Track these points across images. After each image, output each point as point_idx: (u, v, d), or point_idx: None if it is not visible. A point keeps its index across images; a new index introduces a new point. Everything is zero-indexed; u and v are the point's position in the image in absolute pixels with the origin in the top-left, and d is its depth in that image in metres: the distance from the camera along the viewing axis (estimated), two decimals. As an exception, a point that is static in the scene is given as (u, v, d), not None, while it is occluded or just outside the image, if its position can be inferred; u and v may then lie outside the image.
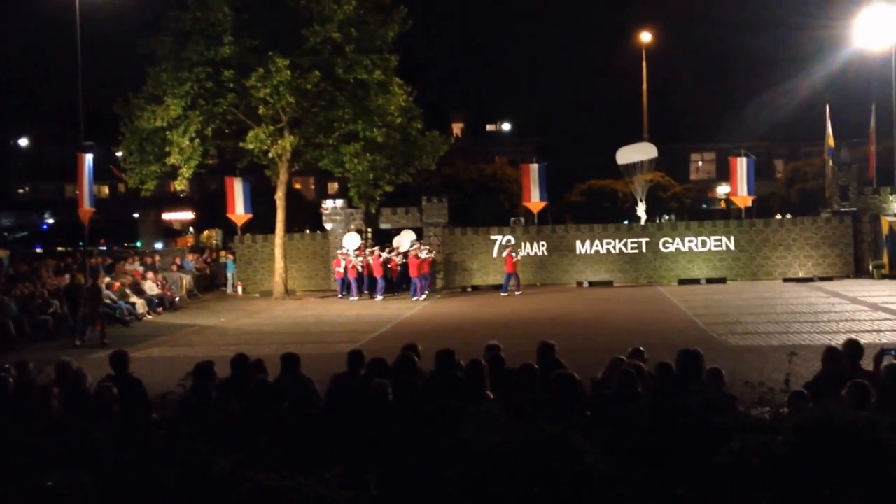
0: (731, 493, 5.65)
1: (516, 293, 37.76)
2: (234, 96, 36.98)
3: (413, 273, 37.72)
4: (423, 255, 38.53)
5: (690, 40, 79.71)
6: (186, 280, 40.01)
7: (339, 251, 39.63)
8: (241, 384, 10.86)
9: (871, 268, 39.55)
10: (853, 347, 11.18)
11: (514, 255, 38.59)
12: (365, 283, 38.53)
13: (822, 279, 39.33)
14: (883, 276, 38.65)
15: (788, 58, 71.58)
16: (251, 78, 35.49)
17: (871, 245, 40.61)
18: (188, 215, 67.81)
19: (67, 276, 32.76)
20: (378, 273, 38.05)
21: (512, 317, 30.44)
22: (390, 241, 41.40)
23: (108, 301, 31.27)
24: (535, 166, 43.23)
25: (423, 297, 37.18)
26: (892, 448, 5.66)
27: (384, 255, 39.12)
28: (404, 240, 40.23)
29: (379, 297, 37.43)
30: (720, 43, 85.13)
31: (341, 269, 38.63)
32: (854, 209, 41.09)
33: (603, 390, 10.32)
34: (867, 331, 22.83)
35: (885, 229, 39.34)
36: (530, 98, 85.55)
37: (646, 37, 58.31)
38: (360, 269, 38.20)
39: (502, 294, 37.92)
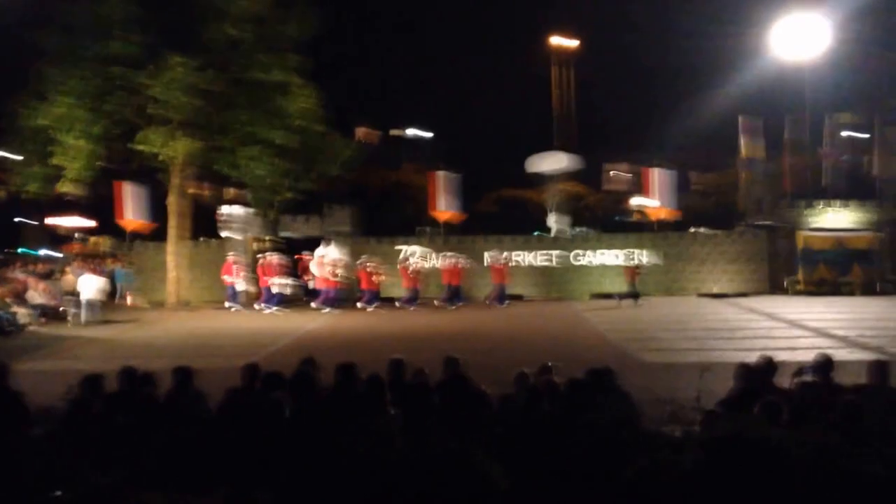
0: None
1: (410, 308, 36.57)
2: (124, 95, 35.11)
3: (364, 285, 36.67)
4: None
5: (608, 48, 79.08)
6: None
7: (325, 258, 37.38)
8: (128, 398, 10.30)
9: (786, 283, 39.07)
10: (766, 364, 11.49)
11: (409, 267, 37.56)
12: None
13: (737, 295, 38.86)
14: (798, 292, 38.49)
15: (706, 67, 71.56)
16: (141, 76, 33.87)
17: (787, 260, 39.99)
18: (76, 221, 65.45)
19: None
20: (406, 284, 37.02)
21: (417, 331, 29.24)
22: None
23: (-12, 310, 29.62)
24: (442, 174, 42.14)
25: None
26: (804, 465, 5.72)
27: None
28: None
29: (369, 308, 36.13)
30: (638, 52, 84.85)
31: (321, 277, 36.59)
32: (769, 223, 40.57)
33: (510, 407, 9.82)
34: (783, 348, 22.17)
35: (800, 244, 39.09)
36: (440, 103, 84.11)
37: (560, 42, 57.60)
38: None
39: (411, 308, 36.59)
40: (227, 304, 36.79)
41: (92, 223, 59.40)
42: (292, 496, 5.93)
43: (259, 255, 37.77)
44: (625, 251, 40.17)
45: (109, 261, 44.48)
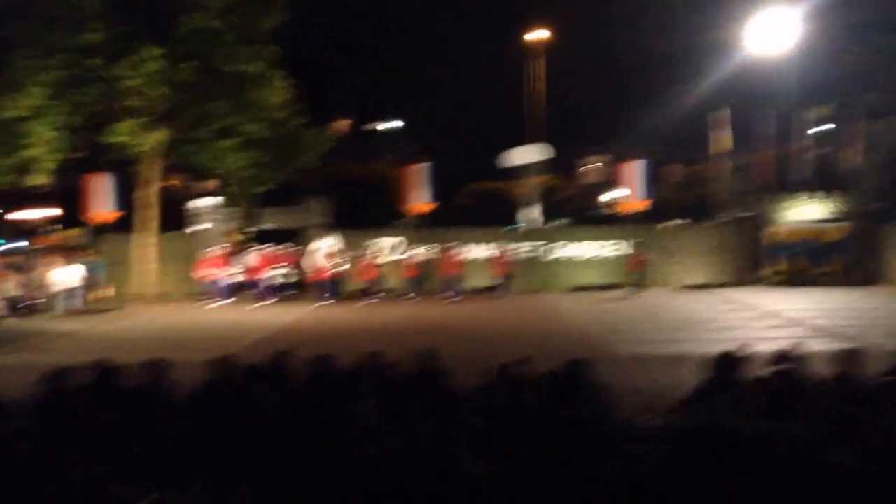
0: (617, 501, 5.71)
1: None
2: (102, 86, 34.85)
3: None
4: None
5: (584, 41, 78.86)
6: (49, 281, 37.66)
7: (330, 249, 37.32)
8: (102, 392, 10.39)
9: (769, 274, 39.25)
10: (742, 354, 11.28)
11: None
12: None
13: (718, 286, 38.92)
14: (776, 283, 38.65)
15: (685, 59, 71.44)
16: (121, 67, 33.63)
17: (765, 251, 40.08)
18: (51, 212, 65.03)
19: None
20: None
21: (397, 324, 29.21)
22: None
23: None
24: (422, 166, 41.95)
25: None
26: (778, 454, 5.76)
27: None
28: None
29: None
30: (615, 43, 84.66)
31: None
32: (751, 215, 40.61)
33: (489, 399, 9.97)
34: (762, 338, 22.33)
35: (778, 236, 39.13)
36: (418, 97, 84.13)
37: (540, 35, 57.23)
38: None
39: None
40: (214, 300, 36.48)
41: (60, 214, 59.06)
42: (270, 490, 5.86)
43: (256, 249, 37.62)
44: (607, 243, 40.27)
45: (87, 253, 44.19)
